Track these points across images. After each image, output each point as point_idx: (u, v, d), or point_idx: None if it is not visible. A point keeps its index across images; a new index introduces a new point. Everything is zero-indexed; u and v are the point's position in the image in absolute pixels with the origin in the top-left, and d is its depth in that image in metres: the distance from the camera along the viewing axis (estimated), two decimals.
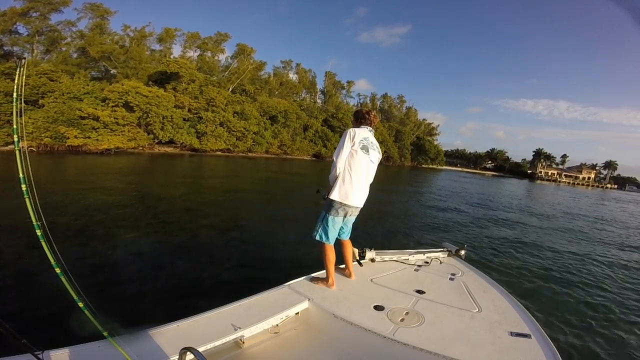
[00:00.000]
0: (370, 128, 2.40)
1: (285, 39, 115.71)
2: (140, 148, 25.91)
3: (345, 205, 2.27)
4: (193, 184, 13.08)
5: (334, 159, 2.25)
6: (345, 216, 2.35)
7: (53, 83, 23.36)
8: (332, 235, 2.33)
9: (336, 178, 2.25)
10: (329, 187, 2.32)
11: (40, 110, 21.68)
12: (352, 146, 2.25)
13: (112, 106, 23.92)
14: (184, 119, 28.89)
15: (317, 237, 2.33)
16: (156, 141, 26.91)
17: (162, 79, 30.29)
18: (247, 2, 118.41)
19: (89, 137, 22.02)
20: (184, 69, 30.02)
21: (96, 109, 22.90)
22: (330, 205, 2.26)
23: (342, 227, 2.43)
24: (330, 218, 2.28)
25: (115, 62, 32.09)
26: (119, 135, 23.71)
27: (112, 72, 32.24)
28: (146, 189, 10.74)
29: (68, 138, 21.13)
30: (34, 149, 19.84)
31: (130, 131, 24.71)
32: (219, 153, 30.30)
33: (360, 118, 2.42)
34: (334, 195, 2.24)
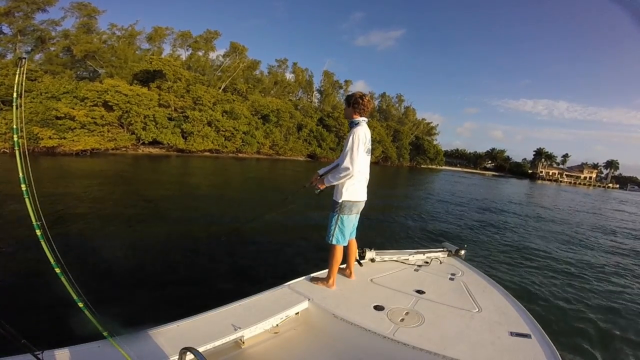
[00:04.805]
0: (366, 118, 2.41)
1: (284, 44, 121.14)
2: (123, 149, 25.56)
3: (356, 202, 2.39)
4: (179, 185, 13.06)
5: (349, 166, 2.22)
6: (357, 213, 2.47)
7: (32, 82, 22.97)
8: (347, 235, 2.45)
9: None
10: (324, 184, 2.41)
11: (15, 111, 21.28)
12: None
13: (91, 105, 23.57)
14: (169, 119, 28.61)
15: (335, 242, 2.40)
16: (140, 142, 26.61)
17: (147, 78, 30.02)
18: (247, 7, 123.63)
19: (64, 138, 21.64)
20: (168, 66, 29.79)
21: (73, 108, 22.54)
22: (342, 206, 2.35)
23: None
24: (345, 218, 2.38)
25: (101, 61, 31.85)
26: (96, 135, 23.32)
27: (100, 71, 32.01)
28: (138, 191, 10.72)
29: (42, 139, 20.75)
30: (6, 151, 19.45)
31: (110, 131, 24.34)
32: (207, 154, 30.08)
33: (353, 103, 2.36)
34: (346, 196, 2.33)
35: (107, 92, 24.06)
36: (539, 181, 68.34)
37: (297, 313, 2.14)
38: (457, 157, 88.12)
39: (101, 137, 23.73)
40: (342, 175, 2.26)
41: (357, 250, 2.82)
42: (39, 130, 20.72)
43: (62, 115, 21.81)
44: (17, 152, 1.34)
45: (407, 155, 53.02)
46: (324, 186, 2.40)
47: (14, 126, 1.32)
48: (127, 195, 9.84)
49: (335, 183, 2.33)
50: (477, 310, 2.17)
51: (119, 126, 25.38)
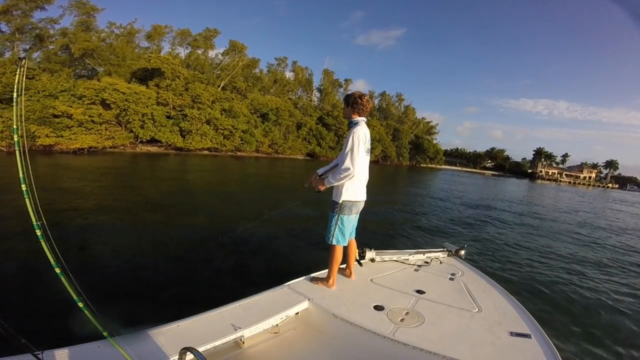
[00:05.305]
0: (365, 118, 2.40)
1: (284, 42, 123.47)
2: (122, 147, 25.56)
3: (356, 202, 2.40)
4: (178, 183, 13.08)
5: (350, 166, 2.22)
6: (357, 212, 2.48)
7: (29, 81, 22.93)
8: (347, 235, 2.46)
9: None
10: (325, 185, 2.41)
11: (12, 109, 21.27)
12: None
13: (89, 104, 23.56)
14: (168, 117, 28.61)
15: (335, 242, 2.40)
16: (138, 140, 26.60)
17: (146, 76, 29.98)
18: (247, 5, 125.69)
19: (62, 136, 21.62)
20: (166, 64, 29.73)
21: (71, 106, 22.52)
22: (342, 206, 2.36)
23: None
24: (345, 218, 2.39)
25: (99, 60, 31.86)
26: (94, 134, 23.33)
27: (99, 69, 32.03)
28: (137, 189, 10.73)
29: (39, 137, 20.72)
30: (3, 149, 19.44)
31: (108, 129, 24.35)
32: (205, 152, 30.09)
33: (352, 103, 2.35)
34: (346, 196, 2.34)
35: (105, 90, 24.04)
36: (539, 181, 68.54)
37: (297, 313, 2.15)
38: (457, 157, 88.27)
39: (99, 135, 23.73)
40: (343, 175, 2.26)
41: (357, 250, 2.83)
42: (36, 129, 20.72)
43: (60, 113, 21.81)
44: (17, 152, 1.35)
45: (406, 154, 53.10)
46: (324, 187, 2.40)
47: (14, 126, 1.32)
48: (125, 194, 9.83)
49: (336, 184, 2.33)
50: (477, 310, 2.19)
51: (116, 124, 25.36)
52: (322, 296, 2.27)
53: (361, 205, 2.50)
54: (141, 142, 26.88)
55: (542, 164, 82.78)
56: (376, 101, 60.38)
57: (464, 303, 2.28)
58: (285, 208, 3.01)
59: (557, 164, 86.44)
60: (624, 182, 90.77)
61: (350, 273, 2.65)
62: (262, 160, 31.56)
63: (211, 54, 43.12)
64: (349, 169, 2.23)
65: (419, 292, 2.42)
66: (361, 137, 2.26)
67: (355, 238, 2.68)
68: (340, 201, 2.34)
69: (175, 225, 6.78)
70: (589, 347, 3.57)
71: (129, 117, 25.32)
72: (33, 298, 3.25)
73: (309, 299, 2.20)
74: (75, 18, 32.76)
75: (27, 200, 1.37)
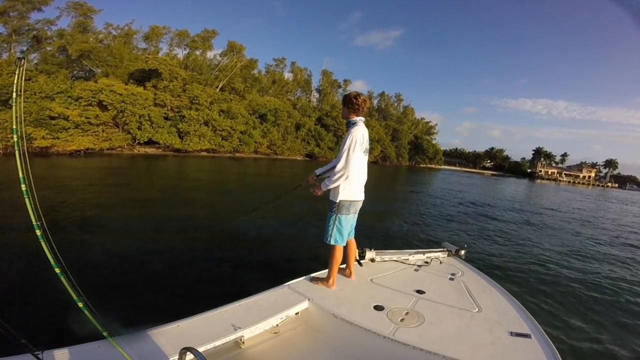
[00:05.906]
0: (363, 118, 2.42)
1: (283, 43, 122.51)
2: (119, 149, 25.54)
3: (354, 201, 2.41)
4: (176, 184, 13.07)
5: (343, 168, 2.25)
6: (355, 212, 2.49)
7: (25, 82, 22.91)
8: (346, 235, 2.46)
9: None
10: (322, 189, 2.42)
11: (9, 110, 21.25)
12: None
13: (85, 105, 23.57)
14: (165, 118, 28.61)
15: (333, 242, 2.41)
16: (136, 142, 26.59)
17: (143, 77, 29.97)
18: (246, 6, 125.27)
19: (58, 138, 21.62)
20: (164, 65, 29.72)
21: (67, 108, 22.52)
22: (340, 205, 2.37)
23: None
24: (343, 218, 2.40)
25: (97, 61, 31.87)
26: (91, 135, 23.34)
27: (96, 71, 32.04)
28: (134, 190, 10.72)
29: (35, 139, 20.68)
30: (0, 150, 19.45)
31: (105, 131, 24.37)
32: (204, 153, 30.09)
33: (348, 103, 2.39)
34: (343, 196, 2.35)
35: (102, 91, 24.06)
36: (538, 180, 68.65)
37: (297, 313, 2.16)
38: (456, 157, 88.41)
39: (95, 137, 23.75)
40: (336, 177, 2.29)
41: (357, 250, 2.84)
42: (33, 130, 20.69)
43: (56, 115, 21.81)
44: (16, 152, 1.35)
45: (406, 154, 53.21)
46: (321, 192, 2.42)
47: (14, 126, 1.33)
48: (123, 194, 9.84)
49: (332, 187, 2.34)
50: (477, 310, 2.20)
51: (114, 126, 25.37)
52: (322, 296, 2.27)
53: (359, 205, 2.51)
54: (139, 143, 26.87)
55: (541, 164, 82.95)
56: (375, 101, 60.42)
57: (464, 303, 2.29)
58: (280, 199, 3.02)
59: (557, 163, 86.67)
60: (623, 181, 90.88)
61: (350, 273, 2.65)
62: (260, 161, 31.56)
63: (209, 54, 43.28)
64: (341, 170, 2.26)
65: (419, 292, 2.43)
66: (359, 137, 2.28)
67: (355, 238, 2.69)
68: (338, 201, 2.36)
69: (174, 225, 6.79)
70: (589, 347, 3.59)
71: (126, 119, 25.31)
72: (33, 298, 3.27)
73: (309, 299, 2.20)
74: (72, 19, 32.92)
75: (27, 201, 1.38)
